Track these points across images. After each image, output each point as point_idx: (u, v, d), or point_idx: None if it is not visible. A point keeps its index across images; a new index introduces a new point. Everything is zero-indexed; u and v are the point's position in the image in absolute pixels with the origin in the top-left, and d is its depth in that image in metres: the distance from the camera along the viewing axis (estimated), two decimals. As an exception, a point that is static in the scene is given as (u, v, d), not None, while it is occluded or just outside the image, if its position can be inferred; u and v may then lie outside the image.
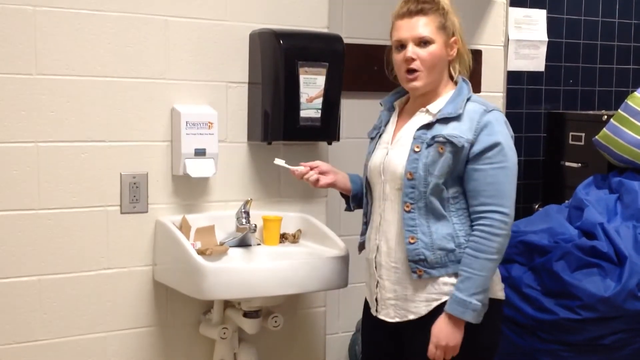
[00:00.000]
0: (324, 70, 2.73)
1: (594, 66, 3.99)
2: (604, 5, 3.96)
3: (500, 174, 2.14)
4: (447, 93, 2.26)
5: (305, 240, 2.78)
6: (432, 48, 2.20)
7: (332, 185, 2.48)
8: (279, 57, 2.67)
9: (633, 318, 2.71)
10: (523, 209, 3.74)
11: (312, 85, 2.73)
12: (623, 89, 4.03)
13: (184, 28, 2.66)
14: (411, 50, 2.21)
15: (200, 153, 2.63)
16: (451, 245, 2.17)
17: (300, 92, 2.71)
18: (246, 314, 2.64)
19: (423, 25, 2.21)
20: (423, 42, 2.21)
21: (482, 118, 2.17)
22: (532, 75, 3.78)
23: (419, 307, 2.21)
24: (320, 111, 2.75)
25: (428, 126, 2.20)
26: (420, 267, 2.18)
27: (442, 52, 2.22)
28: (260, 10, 2.78)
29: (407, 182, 2.18)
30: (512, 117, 3.69)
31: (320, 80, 2.70)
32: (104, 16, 2.53)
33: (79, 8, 2.49)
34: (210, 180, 2.74)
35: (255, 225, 2.70)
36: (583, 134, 3.55)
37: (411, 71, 2.23)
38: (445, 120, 2.19)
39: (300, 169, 2.46)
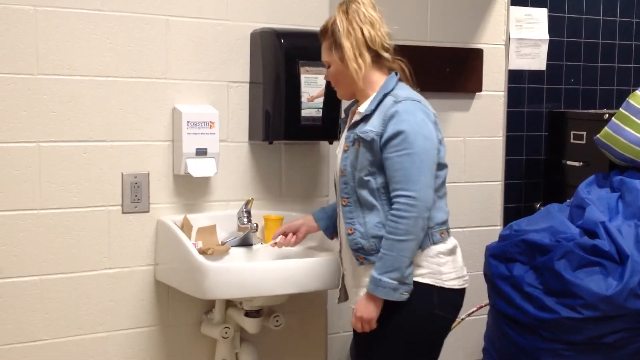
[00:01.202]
0: (325, 70, 2.72)
1: (596, 65, 3.97)
2: (605, 4, 3.95)
3: (406, 160, 2.21)
4: (376, 92, 2.34)
5: (306, 240, 2.77)
6: (331, 69, 2.37)
7: (307, 234, 2.63)
8: (280, 56, 2.67)
9: (634, 317, 2.71)
10: (525, 208, 3.74)
11: (313, 84, 2.73)
12: (624, 87, 4.01)
13: (185, 28, 2.66)
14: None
15: (201, 152, 2.63)
16: (382, 232, 2.26)
17: (302, 91, 2.71)
18: (247, 314, 2.65)
19: (322, 53, 2.39)
20: (328, 66, 2.39)
21: (390, 110, 2.26)
22: (534, 74, 3.77)
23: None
24: (321, 110, 2.75)
25: (354, 126, 2.34)
26: (361, 255, 2.32)
27: (339, 68, 2.34)
28: (261, 10, 2.78)
29: (341, 178, 2.36)
30: (513, 116, 3.69)
31: (322, 79, 2.70)
32: (105, 16, 2.53)
33: (80, 8, 2.49)
34: (212, 180, 2.74)
35: (257, 225, 2.71)
36: (584, 133, 3.54)
37: None
38: (365, 119, 2.31)
39: (278, 239, 2.60)
